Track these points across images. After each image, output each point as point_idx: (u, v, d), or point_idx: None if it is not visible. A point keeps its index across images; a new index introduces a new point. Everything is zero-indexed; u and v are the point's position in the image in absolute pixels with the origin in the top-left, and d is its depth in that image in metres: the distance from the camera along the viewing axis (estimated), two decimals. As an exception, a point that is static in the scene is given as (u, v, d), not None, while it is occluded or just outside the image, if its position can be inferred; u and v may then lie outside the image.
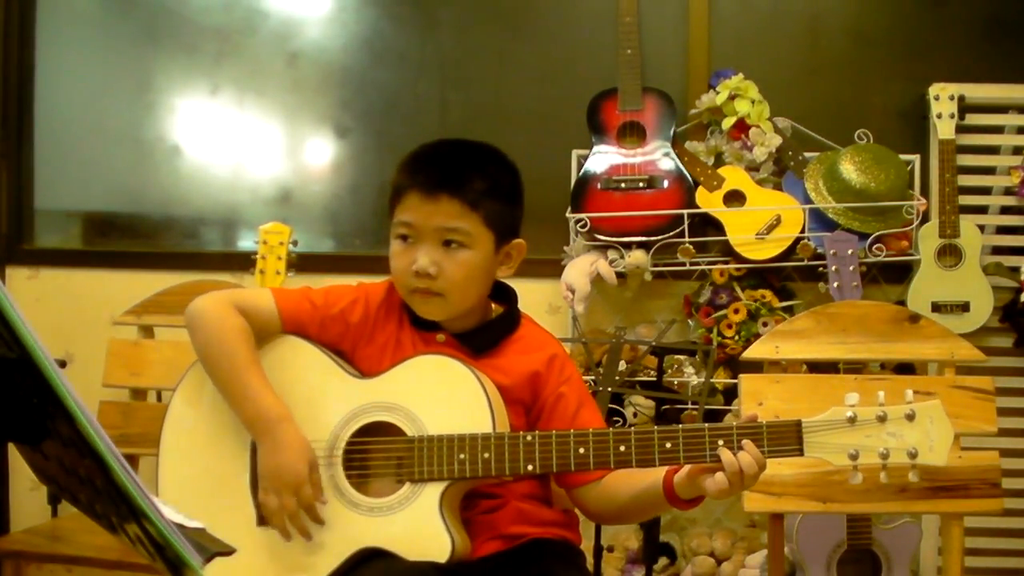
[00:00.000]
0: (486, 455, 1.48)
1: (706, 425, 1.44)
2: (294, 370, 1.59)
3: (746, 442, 1.41)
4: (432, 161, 1.59)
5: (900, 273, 2.90)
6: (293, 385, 1.58)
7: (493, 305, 1.68)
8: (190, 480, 1.59)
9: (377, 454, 1.53)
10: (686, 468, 1.45)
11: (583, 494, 1.59)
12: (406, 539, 1.48)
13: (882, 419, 1.41)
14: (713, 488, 1.40)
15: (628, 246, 2.81)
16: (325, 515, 1.52)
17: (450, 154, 1.61)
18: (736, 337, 2.75)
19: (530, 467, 1.48)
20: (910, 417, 1.41)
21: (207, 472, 1.59)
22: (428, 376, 1.54)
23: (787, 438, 1.42)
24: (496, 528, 1.56)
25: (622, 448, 1.46)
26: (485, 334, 1.62)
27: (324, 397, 1.57)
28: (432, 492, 1.49)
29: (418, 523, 1.48)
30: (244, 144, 3.24)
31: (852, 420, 1.41)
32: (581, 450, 1.47)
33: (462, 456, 1.48)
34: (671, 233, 2.80)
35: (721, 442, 1.42)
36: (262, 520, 1.55)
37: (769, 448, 1.42)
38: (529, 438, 1.49)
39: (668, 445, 1.45)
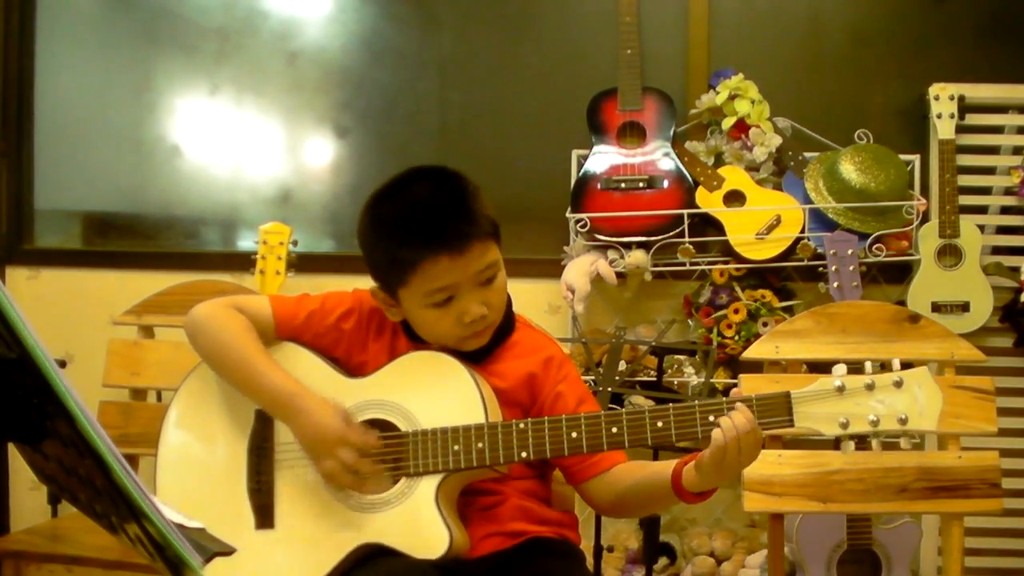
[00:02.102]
0: (480, 445, 1.49)
1: (696, 402, 1.46)
2: (290, 373, 1.59)
3: (737, 404, 1.42)
4: (437, 218, 1.50)
5: (900, 273, 2.91)
6: None
7: None
8: (188, 485, 1.60)
9: (373, 451, 1.53)
10: (694, 460, 1.45)
11: (591, 487, 1.59)
12: (403, 533, 1.48)
13: (870, 387, 1.41)
14: (708, 452, 1.40)
15: (628, 246, 2.82)
16: (324, 514, 1.52)
17: (442, 200, 1.53)
18: (736, 337, 2.75)
19: (524, 454, 1.48)
20: (898, 384, 1.41)
21: (205, 476, 1.59)
22: (419, 371, 1.55)
23: (777, 409, 1.43)
24: (496, 524, 1.57)
25: (614, 430, 1.47)
26: None
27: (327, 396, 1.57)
28: (428, 486, 1.50)
29: (415, 517, 1.49)
30: (244, 144, 3.24)
31: (841, 389, 1.41)
32: (574, 434, 1.48)
33: (456, 447, 1.49)
34: (671, 233, 2.80)
35: (712, 417, 1.43)
36: (260, 524, 1.56)
37: (760, 420, 1.42)
38: (522, 425, 1.49)
39: (659, 424, 1.46)
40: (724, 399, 1.45)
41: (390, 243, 1.52)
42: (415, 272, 1.50)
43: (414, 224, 1.51)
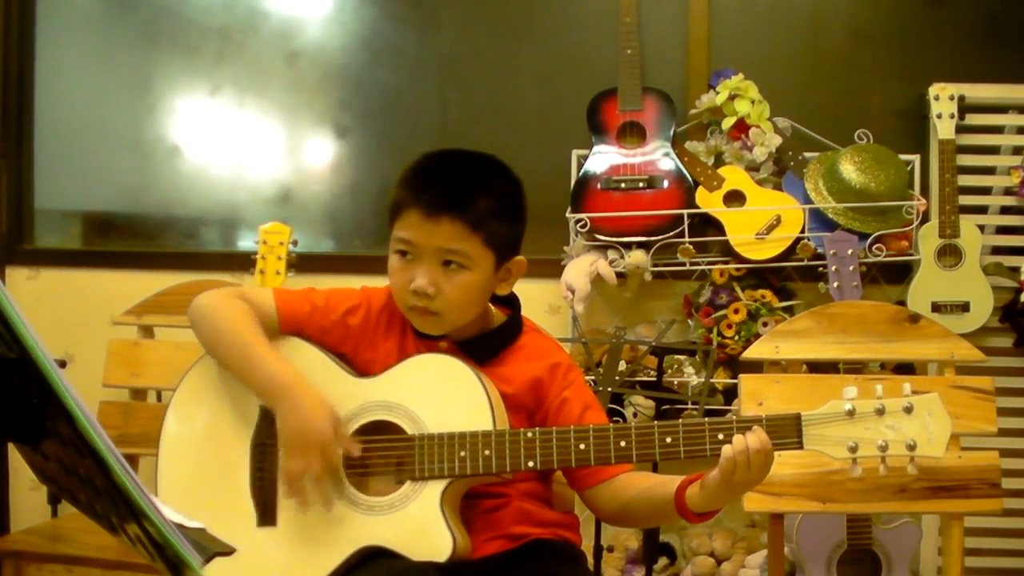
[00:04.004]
0: (487, 452, 1.48)
1: (706, 420, 1.45)
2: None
3: (755, 427, 1.41)
4: (434, 179, 1.55)
5: (900, 273, 2.91)
6: None
7: (495, 310, 1.67)
8: (189, 482, 1.59)
9: (377, 453, 1.53)
10: (699, 480, 1.45)
11: (595, 494, 1.59)
12: (407, 537, 1.48)
13: (880, 412, 1.41)
14: (716, 468, 1.39)
15: (628, 246, 2.81)
16: (327, 513, 1.51)
17: (453, 172, 1.57)
18: (736, 337, 2.75)
19: (531, 463, 1.48)
20: (908, 410, 1.41)
21: (207, 474, 1.59)
22: (428, 375, 1.54)
23: (786, 431, 1.43)
24: (498, 527, 1.56)
25: (623, 443, 1.47)
26: (488, 342, 1.62)
27: (325, 396, 1.57)
28: (433, 490, 1.49)
29: (419, 521, 1.48)
30: (244, 144, 3.24)
31: (851, 413, 1.41)
32: (582, 446, 1.48)
33: (463, 454, 1.48)
34: (671, 233, 2.80)
35: (721, 435, 1.42)
36: (262, 521, 1.55)
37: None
38: (530, 435, 1.49)
39: (668, 440, 1.45)
40: (735, 418, 1.45)
41: (398, 185, 1.57)
42: (397, 216, 1.55)
43: (418, 175, 1.56)
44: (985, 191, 2.95)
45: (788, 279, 2.89)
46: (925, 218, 2.85)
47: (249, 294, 1.64)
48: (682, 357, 2.80)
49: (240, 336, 1.56)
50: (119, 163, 3.27)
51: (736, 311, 2.78)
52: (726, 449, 1.39)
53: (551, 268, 2.93)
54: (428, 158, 1.60)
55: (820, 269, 2.69)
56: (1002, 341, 2.89)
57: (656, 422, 1.48)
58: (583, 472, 1.58)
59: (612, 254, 2.84)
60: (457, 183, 1.54)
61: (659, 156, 2.86)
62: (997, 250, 2.92)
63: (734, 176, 2.85)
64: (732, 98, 2.87)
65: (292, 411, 1.50)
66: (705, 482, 1.42)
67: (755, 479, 1.41)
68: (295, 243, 2.75)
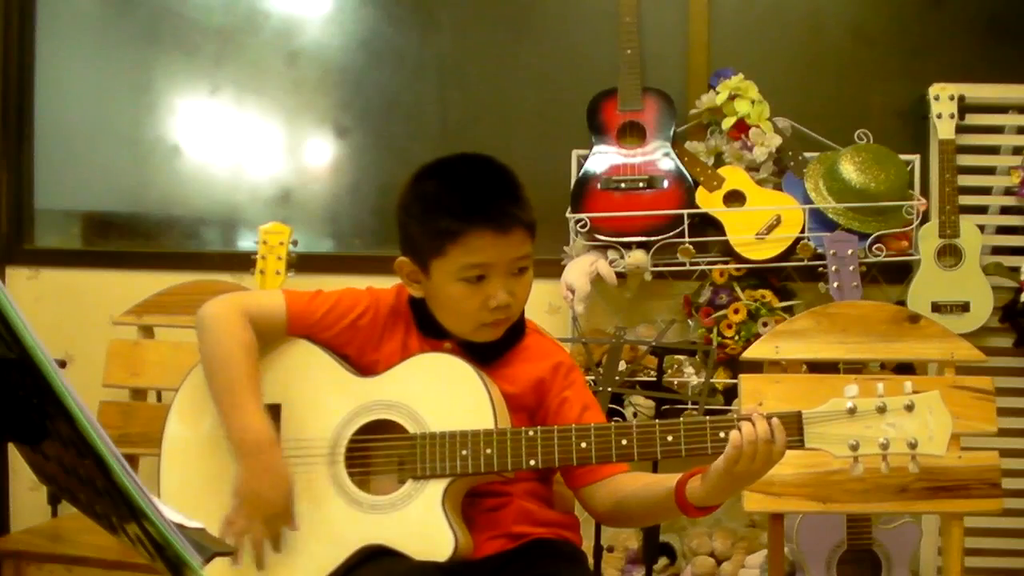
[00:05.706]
0: (488, 451, 1.48)
1: (707, 418, 1.45)
2: (298, 369, 1.60)
3: (754, 415, 1.41)
4: (491, 197, 1.53)
5: (900, 273, 2.90)
6: (297, 384, 1.59)
7: None
8: (191, 485, 1.59)
9: (379, 452, 1.53)
10: (699, 474, 1.45)
11: (591, 492, 1.59)
12: (408, 536, 1.48)
13: (881, 410, 1.41)
14: (721, 457, 1.39)
15: (628, 246, 2.81)
16: (328, 513, 1.52)
17: (500, 184, 1.56)
18: (736, 337, 2.75)
19: (532, 462, 1.48)
20: (909, 408, 1.41)
21: (208, 474, 1.58)
22: (430, 374, 1.55)
23: (788, 429, 1.42)
24: (500, 527, 1.57)
25: (624, 442, 1.47)
26: (493, 344, 1.62)
27: (327, 396, 1.57)
28: (435, 489, 1.50)
29: (421, 520, 1.49)
30: (244, 144, 3.24)
31: (852, 411, 1.41)
32: (583, 444, 1.48)
33: (464, 452, 1.49)
34: (671, 233, 2.80)
35: (722, 434, 1.42)
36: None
37: None
38: (531, 433, 1.49)
39: (670, 438, 1.45)
40: (736, 416, 1.45)
41: (437, 212, 1.52)
42: (456, 243, 1.50)
43: (467, 196, 1.53)
44: (985, 191, 2.95)
45: (788, 279, 2.89)
46: (925, 218, 2.85)
47: (259, 302, 1.64)
48: (682, 357, 2.80)
49: (232, 374, 1.55)
50: (119, 163, 3.27)
51: (736, 311, 2.78)
52: (734, 436, 1.39)
53: (551, 268, 2.92)
54: (459, 177, 1.57)
55: (820, 269, 2.69)
56: (1002, 341, 2.89)
57: (657, 421, 1.48)
58: (580, 471, 1.58)
59: (612, 254, 2.84)
60: (510, 193, 1.55)
61: (659, 156, 2.86)
62: (997, 250, 2.92)
63: (734, 176, 2.85)
64: (732, 98, 2.87)
65: (254, 472, 1.50)
66: (707, 473, 1.42)
67: (758, 471, 1.41)
68: (295, 243, 2.75)
